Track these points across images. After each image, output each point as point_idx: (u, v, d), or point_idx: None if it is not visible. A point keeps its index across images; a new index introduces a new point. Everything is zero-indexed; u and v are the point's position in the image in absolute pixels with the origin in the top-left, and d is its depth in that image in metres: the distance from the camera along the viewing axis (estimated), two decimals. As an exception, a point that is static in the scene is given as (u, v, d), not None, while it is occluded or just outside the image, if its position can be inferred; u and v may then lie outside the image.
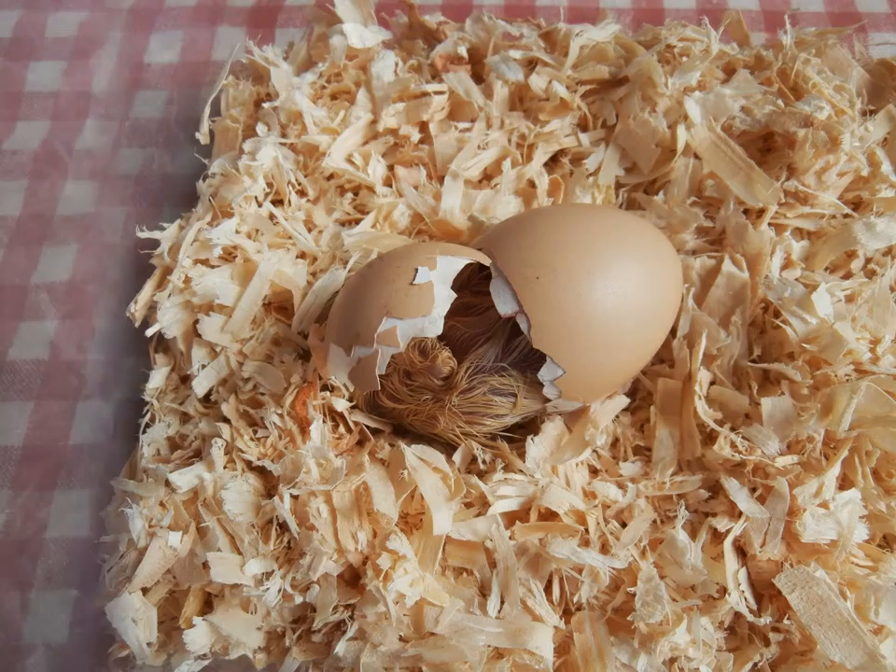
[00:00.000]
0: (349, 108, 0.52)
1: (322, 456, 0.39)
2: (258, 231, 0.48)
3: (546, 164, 0.51)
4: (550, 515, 0.40)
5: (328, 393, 0.43)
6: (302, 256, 0.49)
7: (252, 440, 0.41)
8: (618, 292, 0.38)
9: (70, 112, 0.59)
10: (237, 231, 0.47)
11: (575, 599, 0.38)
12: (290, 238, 0.49)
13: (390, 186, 0.51)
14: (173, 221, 0.50)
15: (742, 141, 0.48)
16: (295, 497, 0.39)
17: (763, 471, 0.40)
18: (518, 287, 0.37)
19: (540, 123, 0.51)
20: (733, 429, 0.41)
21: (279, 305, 0.48)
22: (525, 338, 0.38)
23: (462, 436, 0.41)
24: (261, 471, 0.42)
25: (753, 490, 0.40)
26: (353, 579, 0.39)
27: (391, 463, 0.41)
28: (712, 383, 0.43)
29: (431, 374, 0.39)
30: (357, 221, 0.50)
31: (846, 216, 0.47)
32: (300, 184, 0.50)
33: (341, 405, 0.42)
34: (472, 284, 0.40)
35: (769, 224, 0.46)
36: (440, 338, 0.39)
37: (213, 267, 0.47)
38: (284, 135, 0.51)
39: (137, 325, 0.46)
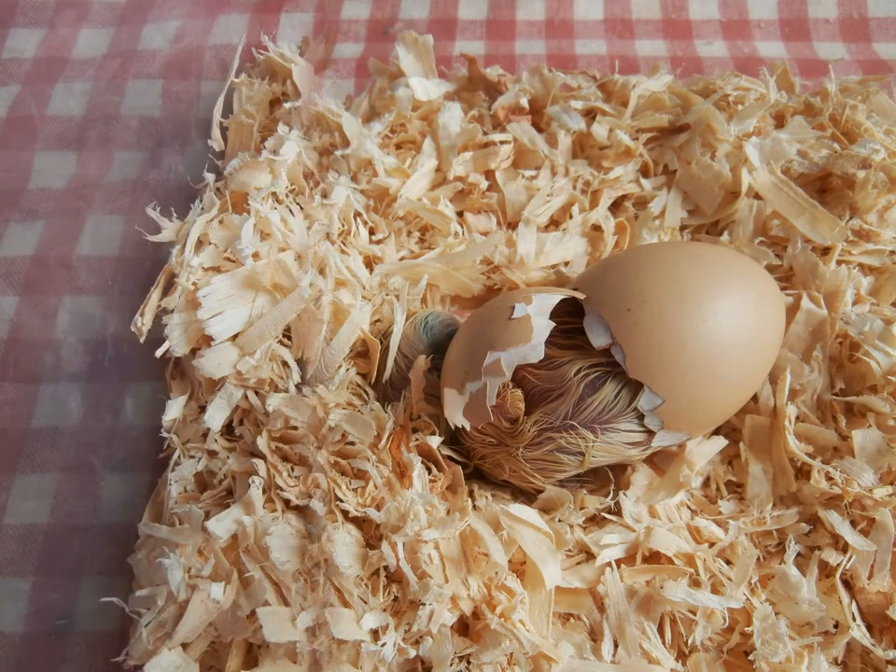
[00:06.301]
0: (415, 157, 0.53)
1: (428, 502, 0.39)
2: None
3: (609, 209, 0.53)
4: (653, 557, 0.40)
5: (419, 434, 0.42)
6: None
7: (349, 489, 0.41)
8: (713, 321, 0.38)
9: (46, 79, 0.55)
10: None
11: (689, 641, 0.38)
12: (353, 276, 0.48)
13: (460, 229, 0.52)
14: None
15: (799, 183, 0.50)
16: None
17: (859, 503, 0.40)
18: (610, 319, 0.38)
19: (604, 170, 0.52)
20: (823, 463, 0.42)
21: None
22: (598, 399, 0.38)
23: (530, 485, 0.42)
24: (357, 522, 0.41)
25: (852, 522, 0.40)
26: (461, 628, 0.38)
27: (487, 519, 0.40)
28: (798, 417, 0.44)
29: (500, 414, 0.39)
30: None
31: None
32: (371, 223, 0.51)
33: (434, 441, 0.42)
34: (549, 336, 0.40)
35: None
36: (513, 386, 0.40)
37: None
38: (355, 181, 0.51)
39: (142, 339, 0.41)
